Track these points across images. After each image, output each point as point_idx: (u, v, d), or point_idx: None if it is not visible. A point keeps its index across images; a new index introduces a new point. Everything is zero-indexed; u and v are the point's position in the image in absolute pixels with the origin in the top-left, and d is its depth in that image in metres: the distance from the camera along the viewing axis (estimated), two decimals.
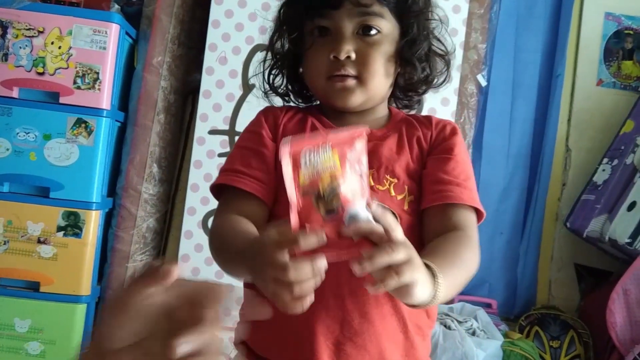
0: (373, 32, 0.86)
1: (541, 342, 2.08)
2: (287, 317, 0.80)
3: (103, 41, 1.88)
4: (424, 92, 0.96)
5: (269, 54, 0.98)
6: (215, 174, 2.05)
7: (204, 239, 2.03)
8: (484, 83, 2.21)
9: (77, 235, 1.87)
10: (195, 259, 2.04)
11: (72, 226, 1.87)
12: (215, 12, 2.05)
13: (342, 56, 0.85)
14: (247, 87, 2.06)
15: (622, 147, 2.15)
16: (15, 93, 1.87)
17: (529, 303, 2.27)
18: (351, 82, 0.86)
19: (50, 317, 1.87)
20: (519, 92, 2.30)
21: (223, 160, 2.06)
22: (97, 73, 1.87)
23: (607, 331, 1.89)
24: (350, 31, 0.86)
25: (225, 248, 0.83)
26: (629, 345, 1.86)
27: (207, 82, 2.06)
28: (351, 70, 0.85)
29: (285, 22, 0.94)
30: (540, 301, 2.28)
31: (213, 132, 2.06)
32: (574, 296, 2.28)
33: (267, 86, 0.98)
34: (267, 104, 1.02)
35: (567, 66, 2.31)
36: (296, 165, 0.64)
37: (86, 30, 1.88)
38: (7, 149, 1.86)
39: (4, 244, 1.86)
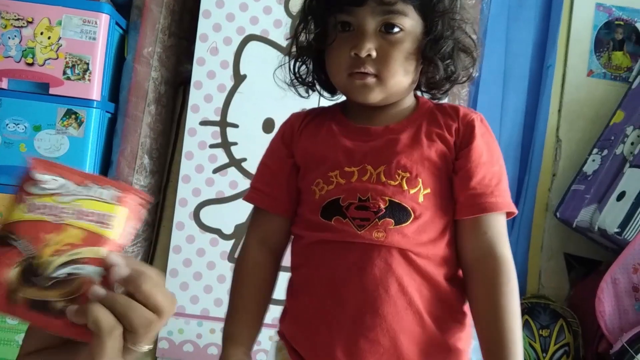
0: (396, 30, 0.86)
1: (531, 331, 2.10)
2: (309, 313, 0.88)
3: (93, 31, 1.86)
4: (448, 89, 0.95)
5: (294, 46, 0.98)
6: (206, 164, 2.05)
7: (195, 230, 2.03)
8: (475, 74, 2.21)
9: None
10: (186, 250, 2.04)
11: None
12: (206, 2, 2.04)
13: (363, 54, 0.84)
14: (239, 78, 2.06)
15: (612, 138, 2.16)
16: (4, 84, 1.86)
17: (519, 292, 2.28)
18: (371, 80, 0.86)
19: None
20: (510, 83, 2.30)
21: (214, 151, 2.06)
22: (87, 64, 1.86)
23: (596, 320, 1.91)
24: (373, 28, 0.85)
25: (231, 296, 0.95)
26: (617, 334, 1.88)
27: (198, 73, 2.05)
28: (371, 69, 0.85)
29: (309, 15, 0.94)
30: (530, 290, 2.30)
31: (204, 123, 2.06)
32: (564, 285, 2.30)
33: (292, 76, 0.99)
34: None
35: (557, 57, 2.32)
36: None
37: (76, 20, 1.86)
38: None
39: None
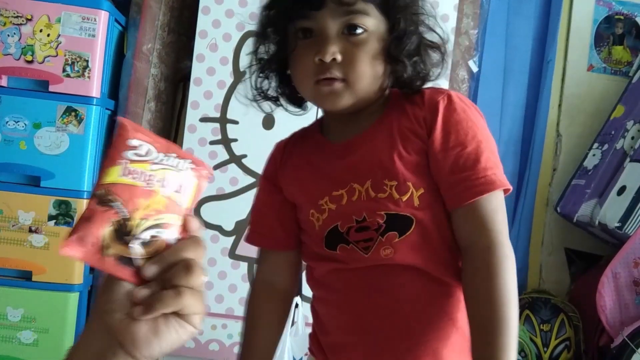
0: (359, 31, 0.82)
1: (532, 325, 2.10)
2: (335, 352, 0.88)
3: (92, 28, 1.86)
4: (419, 86, 0.89)
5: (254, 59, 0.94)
6: (206, 161, 2.04)
7: None
8: (475, 69, 2.21)
9: (69, 224, 1.87)
10: None
11: (64, 215, 1.86)
12: None
13: (328, 58, 0.80)
14: (238, 75, 2.05)
15: (613, 132, 2.16)
16: (4, 82, 1.86)
17: (520, 287, 2.28)
18: (338, 85, 0.82)
19: (43, 306, 1.87)
20: (510, 78, 2.30)
21: (214, 148, 2.06)
22: (87, 61, 1.86)
23: (597, 314, 1.91)
24: (335, 31, 0.81)
25: (242, 340, 0.96)
26: (618, 328, 1.88)
27: (197, 70, 2.05)
28: (337, 73, 0.81)
29: (267, 26, 0.89)
30: (531, 285, 2.30)
31: (204, 119, 2.06)
32: (565, 280, 2.30)
33: (254, 92, 0.95)
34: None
35: (558, 52, 2.31)
36: None
37: (75, 17, 1.86)
38: None
39: None
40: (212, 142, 2.05)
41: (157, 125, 2.13)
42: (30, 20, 1.85)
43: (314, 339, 0.94)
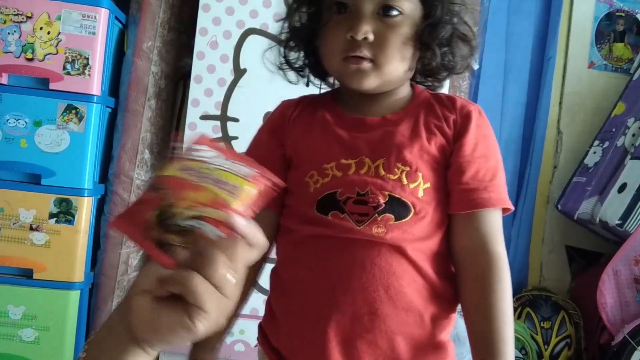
0: (394, 12, 0.81)
1: (532, 323, 2.10)
2: (299, 318, 0.84)
3: (92, 26, 1.86)
4: (445, 78, 0.91)
5: (285, 27, 0.93)
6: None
7: None
8: (475, 66, 2.20)
9: (70, 222, 1.87)
10: None
11: (65, 213, 1.86)
12: None
13: (360, 37, 0.80)
14: (239, 72, 2.05)
15: (613, 130, 2.16)
16: (4, 79, 1.85)
17: (521, 285, 2.29)
18: (366, 65, 0.82)
19: (44, 303, 1.87)
20: (511, 76, 2.30)
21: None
22: (87, 58, 1.86)
23: (597, 312, 1.92)
24: (371, 10, 0.81)
25: None
26: (619, 325, 1.89)
27: (198, 67, 2.05)
28: (367, 53, 0.81)
29: None
30: (531, 283, 2.30)
31: (205, 117, 2.05)
32: (565, 278, 2.30)
33: (282, 59, 0.94)
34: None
35: (558, 49, 2.31)
36: None
37: (75, 15, 1.86)
38: None
39: None
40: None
41: (157, 123, 2.12)
42: (30, 18, 1.85)
43: (272, 318, 0.90)
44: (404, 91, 0.91)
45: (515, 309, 2.16)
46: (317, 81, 0.97)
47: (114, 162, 2.05)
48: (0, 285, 1.86)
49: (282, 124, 0.92)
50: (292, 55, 0.94)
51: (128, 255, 2.07)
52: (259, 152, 0.92)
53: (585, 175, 2.17)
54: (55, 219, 1.86)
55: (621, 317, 1.90)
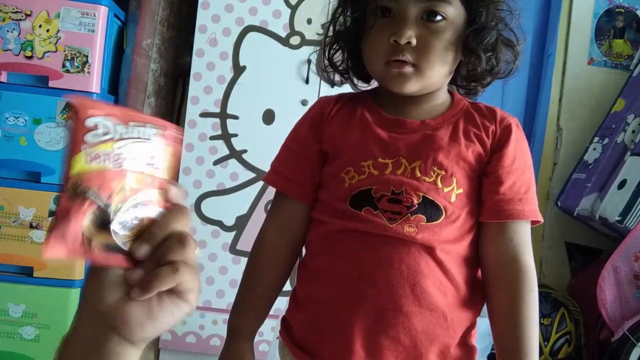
0: (438, 18, 0.83)
1: None
2: (324, 308, 0.86)
3: (91, 24, 1.86)
4: (489, 83, 0.92)
5: (330, 30, 0.95)
6: (207, 156, 2.05)
7: (196, 222, 2.03)
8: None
9: None
10: None
11: None
12: None
13: (403, 41, 0.81)
14: (238, 69, 2.05)
15: (613, 126, 2.16)
16: (3, 77, 1.85)
17: None
18: (408, 69, 0.83)
19: (44, 301, 1.87)
20: None
21: (215, 143, 2.06)
22: (86, 56, 1.85)
23: (597, 308, 1.92)
24: (414, 15, 0.82)
25: (241, 286, 0.95)
26: (618, 322, 1.89)
27: (197, 65, 2.04)
28: (410, 57, 0.82)
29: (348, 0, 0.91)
30: None
31: (204, 114, 2.05)
32: (565, 274, 2.31)
33: (326, 62, 0.95)
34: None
35: (558, 45, 2.31)
36: None
37: (74, 12, 1.85)
38: None
39: None
40: (212, 138, 2.05)
41: None
42: (29, 15, 1.84)
43: (298, 304, 0.91)
44: (443, 97, 0.92)
45: None
46: (361, 83, 0.98)
47: None
48: (1, 284, 1.86)
49: (320, 119, 0.93)
50: (337, 57, 0.95)
51: None
52: (295, 145, 0.94)
53: (585, 172, 2.17)
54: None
55: (621, 314, 1.90)
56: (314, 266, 0.90)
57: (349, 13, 0.91)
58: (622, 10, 2.33)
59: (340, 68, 0.95)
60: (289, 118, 2.12)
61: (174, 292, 0.49)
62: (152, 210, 0.49)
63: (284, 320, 0.94)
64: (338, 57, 0.95)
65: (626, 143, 2.05)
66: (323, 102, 0.95)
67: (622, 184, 1.95)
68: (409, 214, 0.82)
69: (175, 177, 0.51)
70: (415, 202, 0.82)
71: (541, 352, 2.07)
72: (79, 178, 0.46)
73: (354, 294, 0.83)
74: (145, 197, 0.48)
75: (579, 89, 2.32)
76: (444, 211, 0.83)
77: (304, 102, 2.02)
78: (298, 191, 0.91)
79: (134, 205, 0.48)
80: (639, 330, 1.82)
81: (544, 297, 2.15)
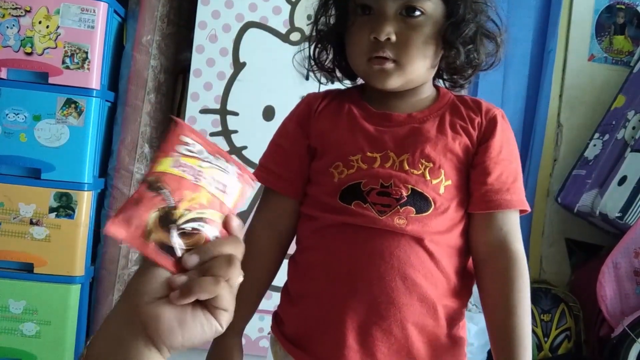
0: (416, 13, 0.83)
1: (532, 316, 2.10)
2: (316, 302, 0.86)
3: (91, 20, 1.85)
4: (470, 75, 0.92)
5: (314, 31, 0.96)
6: None
7: None
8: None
9: (70, 216, 1.87)
10: None
11: (65, 207, 1.86)
12: None
13: (382, 37, 0.82)
14: (238, 66, 2.05)
15: (614, 122, 2.16)
16: (3, 74, 1.85)
17: None
18: (389, 65, 0.84)
19: (45, 297, 1.87)
20: (511, 69, 2.30)
21: (215, 139, 2.06)
22: (86, 52, 1.85)
23: (597, 304, 1.92)
24: (393, 11, 0.83)
25: None
26: (618, 318, 1.89)
27: (197, 61, 2.04)
28: (390, 53, 0.83)
29: None
30: (531, 276, 2.27)
31: (204, 111, 2.05)
32: (565, 270, 2.31)
33: (312, 62, 0.97)
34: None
35: (558, 42, 2.31)
36: None
37: (74, 9, 1.85)
38: None
39: None
40: (212, 134, 2.05)
41: (157, 117, 2.12)
42: (29, 11, 1.84)
43: (289, 301, 0.92)
44: (428, 90, 0.93)
45: None
46: (347, 81, 0.99)
47: (114, 156, 2.05)
48: (1, 280, 1.86)
49: (308, 115, 0.94)
50: (322, 56, 0.96)
51: (128, 249, 2.07)
52: (284, 141, 0.95)
53: (585, 168, 2.17)
54: (55, 213, 1.86)
55: (621, 310, 1.90)
56: (305, 261, 0.90)
57: (330, 12, 0.92)
58: (623, 7, 2.33)
59: (326, 67, 0.96)
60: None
61: (208, 308, 0.51)
62: (211, 230, 0.52)
63: (276, 316, 0.95)
64: (323, 56, 0.96)
65: (626, 139, 2.05)
66: (311, 98, 0.96)
67: (622, 180, 1.95)
68: (399, 206, 0.83)
69: (237, 211, 0.55)
70: (405, 194, 0.83)
71: (541, 348, 2.08)
72: (160, 175, 0.51)
73: (345, 287, 0.83)
74: (210, 216, 0.52)
75: (580, 85, 2.32)
76: (432, 203, 0.84)
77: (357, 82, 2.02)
78: (286, 187, 0.92)
79: (197, 218, 0.51)
80: (639, 327, 1.82)
81: (544, 293, 2.15)
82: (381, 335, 0.82)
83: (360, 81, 0.97)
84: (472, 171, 0.87)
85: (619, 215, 1.91)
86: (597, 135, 2.22)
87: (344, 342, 0.82)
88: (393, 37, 0.83)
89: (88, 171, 1.89)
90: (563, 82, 2.32)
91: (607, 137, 2.15)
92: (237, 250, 0.53)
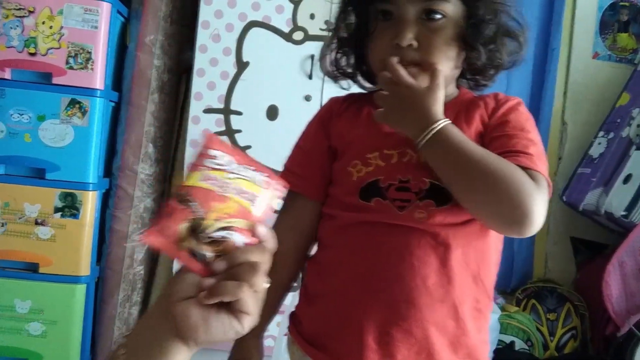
0: (437, 16, 0.83)
1: (538, 314, 2.10)
2: (336, 301, 0.86)
3: (94, 20, 1.86)
4: (493, 75, 0.92)
5: (335, 37, 0.96)
6: None
7: None
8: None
9: (75, 216, 1.87)
10: None
11: (70, 207, 1.87)
12: None
13: (404, 44, 0.82)
14: (241, 65, 2.05)
15: (618, 120, 2.15)
16: (7, 74, 1.85)
17: (526, 276, 2.29)
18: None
19: (51, 297, 1.87)
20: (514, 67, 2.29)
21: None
22: (90, 53, 1.85)
23: (603, 303, 1.91)
24: (414, 16, 0.83)
25: None
26: (624, 317, 1.88)
27: (200, 61, 2.04)
28: (413, 57, 0.83)
29: (349, 5, 0.92)
30: (536, 275, 2.30)
31: (208, 110, 2.05)
32: (570, 269, 2.30)
33: (333, 68, 0.97)
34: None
35: (562, 39, 2.30)
36: None
37: (77, 9, 1.85)
38: (2, 131, 1.85)
39: (2, 226, 1.86)
40: (216, 134, 2.05)
41: (160, 117, 2.12)
42: (32, 12, 1.84)
43: (308, 299, 0.91)
44: (450, 90, 0.91)
45: (520, 301, 2.16)
46: (368, 85, 0.98)
47: (118, 156, 2.06)
48: (7, 280, 1.87)
49: (329, 117, 0.95)
50: (343, 62, 0.96)
51: (133, 249, 2.07)
52: (306, 144, 0.97)
53: (590, 167, 2.16)
54: (60, 213, 1.86)
55: (627, 308, 1.89)
56: (325, 260, 0.90)
57: (351, 19, 0.92)
58: (627, 4, 2.32)
59: (347, 72, 0.96)
60: (292, 114, 2.13)
61: (231, 310, 0.55)
62: (239, 238, 0.56)
63: (293, 316, 0.95)
64: (343, 61, 0.96)
65: (631, 137, 2.04)
66: (332, 102, 0.97)
67: (627, 179, 1.95)
68: (418, 200, 0.82)
69: (267, 218, 0.58)
70: (424, 188, 0.82)
71: (547, 347, 2.07)
72: (189, 190, 0.56)
73: (365, 287, 0.83)
74: (237, 224, 0.56)
75: (584, 83, 2.31)
76: (452, 195, 0.82)
77: (307, 98, 2.02)
78: (308, 188, 0.93)
79: (225, 227, 0.56)
80: None
81: (549, 292, 2.15)
82: (401, 336, 0.82)
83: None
84: (489, 147, 0.84)
85: (624, 213, 1.90)
86: (601, 133, 2.21)
87: (363, 341, 0.82)
88: (415, 43, 0.82)
89: (92, 171, 1.89)
90: (567, 80, 2.32)
91: (611, 135, 2.15)
92: (263, 257, 0.56)
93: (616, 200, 1.94)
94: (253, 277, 0.54)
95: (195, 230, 0.55)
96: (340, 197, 0.89)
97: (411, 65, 0.83)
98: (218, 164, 0.57)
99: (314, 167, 0.93)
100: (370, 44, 0.88)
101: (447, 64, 0.85)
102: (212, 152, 0.57)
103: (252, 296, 0.54)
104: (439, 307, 0.82)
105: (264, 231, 0.57)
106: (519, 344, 2.04)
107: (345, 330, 0.84)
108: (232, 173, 0.57)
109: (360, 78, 0.97)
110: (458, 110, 0.89)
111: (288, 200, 0.94)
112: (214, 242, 0.55)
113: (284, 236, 0.91)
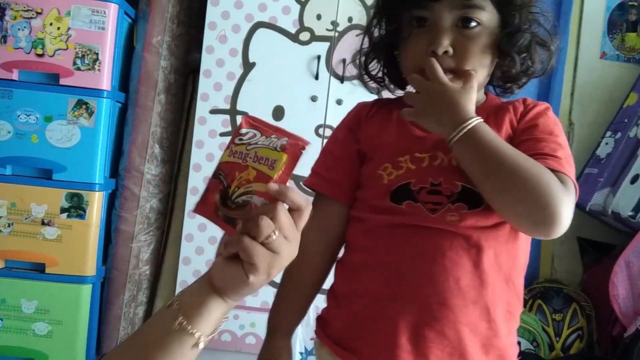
0: (473, 24, 0.83)
1: (544, 315, 2.09)
2: (366, 303, 0.86)
3: (102, 21, 1.86)
4: (524, 83, 0.92)
5: (366, 40, 0.96)
6: (217, 153, 2.05)
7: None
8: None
9: (81, 216, 1.88)
10: (198, 238, 2.06)
11: (76, 207, 1.88)
12: None
13: (440, 51, 0.82)
14: (248, 66, 2.05)
15: (626, 120, 2.14)
16: (15, 75, 1.87)
17: (532, 277, 2.28)
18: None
19: (57, 297, 1.88)
20: None
21: (225, 139, 2.06)
22: (97, 54, 1.86)
23: (609, 303, 1.90)
24: (449, 23, 0.83)
25: (281, 285, 0.96)
26: (631, 317, 1.87)
27: (207, 61, 2.05)
28: (448, 65, 0.83)
29: (383, 10, 0.92)
30: (543, 275, 2.29)
31: (214, 111, 2.06)
32: (577, 269, 2.29)
33: (362, 72, 0.97)
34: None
35: (570, 39, 2.29)
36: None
37: (84, 10, 1.86)
38: (9, 132, 1.86)
39: (9, 226, 1.87)
40: (222, 134, 2.05)
41: (167, 117, 2.13)
42: (40, 13, 1.85)
43: (337, 302, 0.92)
44: (479, 96, 0.91)
45: (526, 301, 2.16)
46: (397, 90, 0.99)
47: (125, 156, 2.06)
48: (13, 280, 1.88)
49: (358, 121, 0.96)
50: (373, 65, 0.96)
51: (139, 249, 2.08)
52: (334, 147, 0.97)
53: (597, 167, 2.15)
54: (66, 213, 1.87)
55: (633, 309, 1.88)
56: (354, 262, 0.91)
57: (384, 24, 0.92)
58: (635, 4, 2.31)
59: (377, 76, 0.97)
60: (298, 114, 2.13)
61: (243, 263, 0.61)
62: (258, 199, 0.63)
63: (321, 319, 0.95)
64: (374, 65, 0.96)
65: (639, 137, 2.03)
66: (360, 107, 0.98)
67: (634, 179, 1.94)
68: (450, 203, 0.82)
69: (288, 178, 0.64)
70: (455, 191, 0.82)
71: (553, 348, 2.07)
72: (220, 165, 0.65)
73: (397, 288, 0.83)
74: (256, 188, 0.63)
75: (591, 83, 2.30)
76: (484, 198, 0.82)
77: (313, 98, 2.02)
78: (337, 191, 0.93)
79: (246, 192, 0.63)
80: None
81: (555, 292, 2.14)
82: (434, 337, 0.82)
83: (410, 88, 0.96)
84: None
85: (631, 214, 1.89)
86: (609, 133, 2.20)
87: (396, 342, 0.82)
88: (450, 50, 0.82)
89: (99, 172, 1.90)
90: (574, 80, 2.31)
91: (619, 135, 2.14)
92: (273, 213, 0.61)
93: (623, 201, 1.93)
94: (253, 229, 0.60)
95: (224, 198, 0.64)
96: (369, 200, 0.89)
97: (446, 72, 0.83)
98: (242, 140, 0.65)
99: (343, 170, 0.93)
100: (403, 50, 0.88)
101: (481, 72, 0.85)
102: (242, 131, 0.66)
103: (254, 247, 0.60)
104: (471, 308, 0.82)
105: (274, 187, 0.61)
106: (525, 345, 2.04)
107: (377, 332, 0.84)
108: (253, 145, 0.65)
109: (389, 83, 0.97)
110: (487, 115, 0.88)
111: (316, 202, 0.95)
112: (240, 206, 0.63)
113: (312, 238, 0.91)
